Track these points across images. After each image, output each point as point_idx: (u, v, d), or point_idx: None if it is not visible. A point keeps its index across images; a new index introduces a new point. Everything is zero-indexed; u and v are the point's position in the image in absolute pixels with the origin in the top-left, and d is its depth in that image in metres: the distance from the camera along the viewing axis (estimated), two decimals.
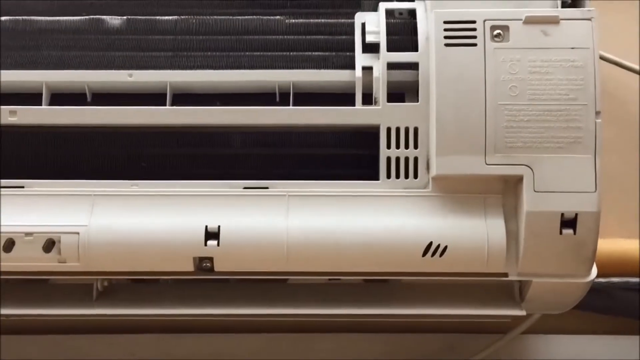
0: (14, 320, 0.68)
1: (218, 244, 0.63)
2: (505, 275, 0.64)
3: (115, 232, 0.63)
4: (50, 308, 0.67)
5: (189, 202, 0.64)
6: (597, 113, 0.62)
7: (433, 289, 0.68)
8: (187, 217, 0.64)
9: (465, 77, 0.62)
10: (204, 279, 0.66)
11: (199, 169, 0.67)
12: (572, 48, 0.62)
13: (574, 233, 0.61)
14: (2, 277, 0.63)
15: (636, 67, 0.91)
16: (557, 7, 0.65)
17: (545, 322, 0.85)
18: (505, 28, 0.63)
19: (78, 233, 0.63)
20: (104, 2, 0.74)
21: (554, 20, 0.62)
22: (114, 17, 0.71)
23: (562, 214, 0.61)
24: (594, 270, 0.64)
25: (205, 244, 0.63)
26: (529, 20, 0.63)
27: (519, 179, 0.62)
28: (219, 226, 0.63)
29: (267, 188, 0.65)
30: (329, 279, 0.70)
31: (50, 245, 0.63)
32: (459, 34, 0.63)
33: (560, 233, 0.61)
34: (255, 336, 0.89)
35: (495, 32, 0.63)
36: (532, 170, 0.62)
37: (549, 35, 0.63)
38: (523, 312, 0.66)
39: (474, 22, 0.63)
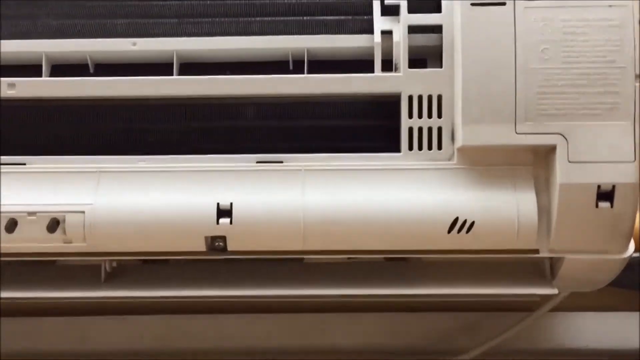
0: (16, 302, 0.65)
1: (231, 222, 0.59)
2: (536, 251, 0.60)
3: (122, 210, 0.60)
4: (55, 290, 0.64)
5: (199, 178, 0.61)
6: (637, 76, 0.57)
7: (457, 266, 0.65)
8: (198, 194, 0.60)
9: (493, 40, 0.58)
10: (216, 259, 0.63)
11: (209, 143, 0.63)
12: (610, 6, 0.57)
13: (611, 206, 0.57)
14: (3, 259, 0.60)
15: None
16: None
17: (574, 298, 0.81)
18: None
19: (83, 212, 0.60)
20: None
21: None
22: None
23: (599, 186, 0.57)
24: (632, 246, 0.60)
25: (217, 222, 0.59)
26: None
27: (551, 149, 0.58)
28: (231, 203, 0.60)
29: (281, 162, 0.62)
30: (348, 258, 0.67)
31: (54, 225, 0.60)
32: None
33: (596, 206, 0.58)
34: (270, 316, 0.86)
35: None
36: (566, 139, 0.57)
37: None
38: (555, 291, 0.62)
39: None
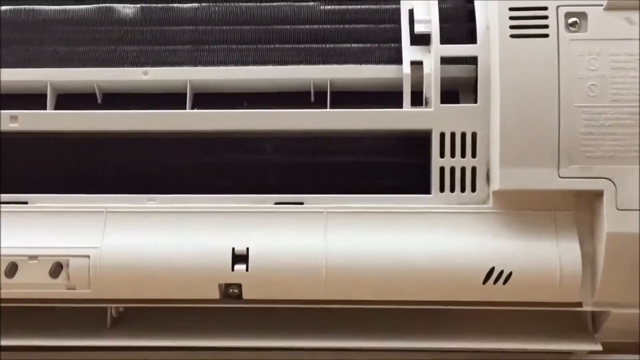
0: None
1: (247, 269, 0.55)
2: (580, 304, 0.55)
3: (130, 254, 0.55)
4: (57, 338, 0.59)
5: (214, 220, 0.57)
6: None
7: (488, 315, 0.60)
8: (212, 237, 0.56)
9: (535, 74, 0.53)
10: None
11: (225, 181, 0.59)
12: None
13: None
14: (3, 304, 0.56)
15: None
16: None
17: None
18: (583, 15, 0.53)
19: (89, 256, 0.55)
20: None
21: None
22: (126, 5, 0.63)
23: None
24: None
25: (232, 269, 0.55)
26: (611, 6, 0.53)
27: (597, 194, 0.53)
28: (247, 248, 0.55)
29: (302, 203, 0.57)
30: None
31: (57, 269, 0.55)
32: (528, 22, 0.54)
33: None
34: None
35: (571, 20, 0.53)
36: (614, 184, 0.52)
37: (634, 23, 0.53)
38: (599, 347, 0.57)
39: (545, 8, 0.54)
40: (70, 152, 0.59)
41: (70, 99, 0.61)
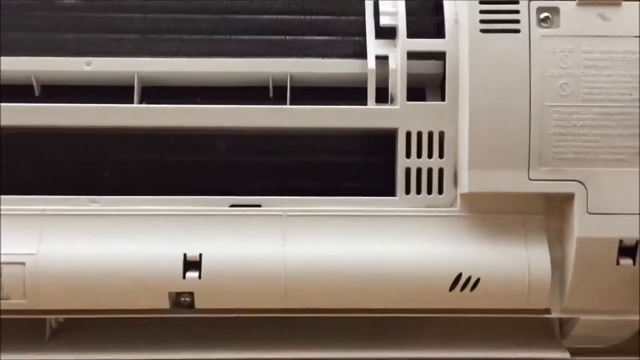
0: None
1: (199, 276, 0.51)
2: (548, 311, 0.53)
3: (70, 261, 0.51)
4: None
5: (164, 224, 0.53)
6: None
7: (455, 324, 0.57)
8: (161, 242, 0.52)
9: (505, 71, 0.51)
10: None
11: (176, 181, 0.55)
12: (637, 37, 0.51)
13: (634, 263, 0.51)
14: None
15: None
16: None
17: None
18: (555, 10, 0.51)
19: (24, 263, 0.51)
20: None
21: (615, 2, 0.51)
22: None
23: (621, 241, 0.51)
24: None
25: (184, 276, 0.51)
26: (585, 1, 0.51)
27: (567, 198, 0.51)
28: (200, 254, 0.52)
29: (259, 206, 0.54)
30: None
31: None
32: (498, 17, 0.51)
33: (617, 263, 0.51)
34: None
35: (543, 15, 0.51)
36: (585, 187, 0.51)
37: (608, 19, 0.51)
38: (567, 355, 0.56)
39: (516, 2, 0.51)
40: (4, 148, 0.54)
41: (5, 91, 0.55)
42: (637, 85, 0.50)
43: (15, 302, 0.51)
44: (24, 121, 0.53)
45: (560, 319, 0.58)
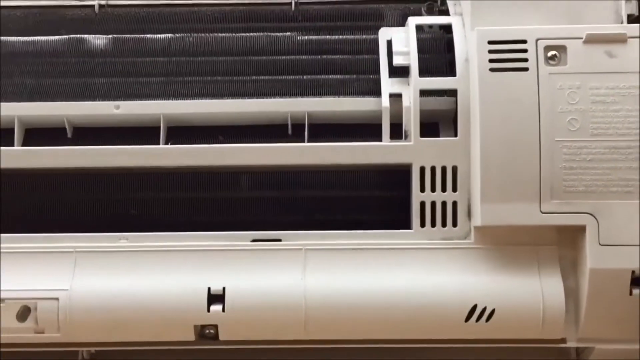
0: None
1: (223, 309, 0.53)
2: (564, 341, 0.54)
3: (101, 297, 0.53)
4: None
5: (188, 259, 0.55)
6: None
7: (472, 354, 0.58)
8: (186, 277, 0.54)
9: (515, 108, 0.52)
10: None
11: (199, 217, 0.57)
12: None
13: None
14: None
15: None
16: (622, 22, 0.55)
17: None
18: (562, 49, 0.53)
19: (58, 299, 0.53)
20: (85, 17, 0.64)
21: (621, 39, 0.52)
22: (97, 36, 0.61)
23: (633, 272, 0.52)
24: None
25: (208, 310, 0.53)
26: (591, 39, 0.52)
27: (579, 229, 0.52)
28: (223, 288, 0.54)
29: (279, 240, 0.56)
30: None
31: (25, 312, 0.53)
32: (507, 56, 0.53)
33: (630, 293, 0.52)
34: None
35: (550, 53, 0.53)
36: (596, 219, 0.52)
37: (614, 56, 0.52)
38: None
39: (524, 41, 0.53)
40: (38, 189, 0.57)
41: (39, 134, 0.58)
42: None
43: (49, 336, 0.53)
44: (58, 163, 0.56)
45: (577, 348, 0.59)
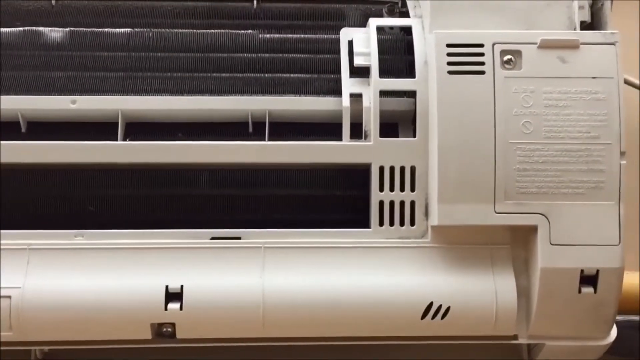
0: None
1: (181, 307, 0.53)
2: (515, 337, 0.56)
3: (55, 294, 0.53)
4: None
5: (146, 257, 0.54)
6: (622, 154, 0.53)
7: (428, 350, 0.60)
8: (144, 274, 0.54)
9: (472, 111, 0.54)
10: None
11: (158, 215, 0.57)
12: (594, 77, 0.54)
13: (595, 292, 0.54)
14: None
15: (636, 81, 0.84)
16: (576, 29, 0.56)
17: None
18: (518, 53, 0.54)
19: (10, 297, 0.52)
20: (42, 9, 0.63)
21: (573, 45, 0.54)
22: (54, 29, 0.60)
23: (582, 270, 0.53)
24: (614, 331, 0.57)
25: (166, 308, 0.53)
26: (545, 44, 0.54)
27: (531, 229, 0.54)
28: (181, 286, 0.53)
29: (239, 238, 0.56)
30: None
31: None
32: (464, 59, 0.54)
33: (579, 291, 0.54)
34: None
35: (506, 57, 0.54)
36: (547, 220, 0.53)
37: (567, 62, 0.54)
38: None
39: (481, 45, 0.54)
40: None
41: None
42: (594, 123, 0.53)
43: (1, 335, 0.52)
44: (11, 158, 0.55)
45: (528, 345, 0.60)
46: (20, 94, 0.57)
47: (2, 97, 0.56)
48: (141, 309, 0.53)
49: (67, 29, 0.60)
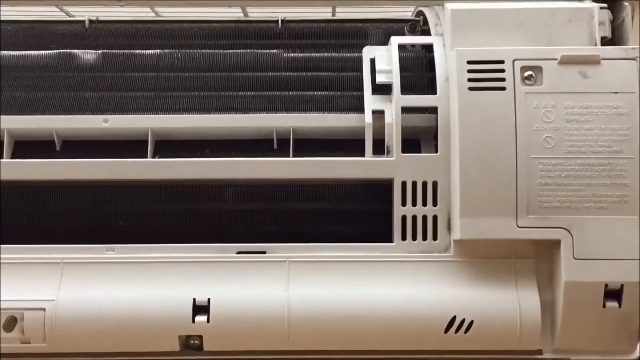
0: None
1: (208, 320, 0.54)
2: (540, 352, 0.56)
3: (87, 307, 0.54)
4: None
5: (174, 270, 0.56)
6: None
7: None
8: (172, 288, 0.55)
9: (493, 126, 0.54)
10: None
11: (186, 229, 0.58)
12: (615, 92, 0.54)
13: (619, 306, 0.54)
14: None
15: None
16: (596, 44, 0.57)
17: None
18: (538, 69, 0.55)
19: (44, 309, 0.54)
20: (75, 32, 0.65)
21: (594, 60, 0.54)
22: (87, 51, 0.63)
23: (606, 285, 0.53)
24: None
25: (193, 320, 0.54)
26: (566, 60, 0.55)
27: (554, 243, 0.54)
28: (208, 299, 0.55)
29: (264, 252, 0.57)
30: None
31: (11, 323, 0.54)
32: (485, 75, 0.55)
33: (604, 306, 0.54)
34: None
35: (527, 73, 0.55)
36: (570, 234, 0.53)
37: (588, 77, 0.54)
38: None
39: (502, 62, 0.55)
40: (27, 200, 0.58)
41: (28, 146, 0.59)
42: (616, 138, 0.54)
43: (35, 346, 0.54)
44: (46, 175, 0.57)
45: (553, 359, 0.60)
46: (55, 114, 0.59)
47: (39, 116, 0.59)
48: (169, 321, 0.54)
49: (100, 51, 0.62)
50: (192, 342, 0.55)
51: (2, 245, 0.56)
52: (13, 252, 0.56)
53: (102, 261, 0.56)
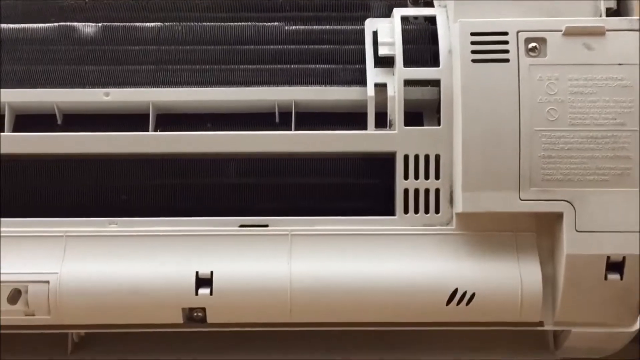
0: None
1: (211, 293, 0.55)
2: (541, 324, 0.56)
3: (90, 279, 0.55)
4: None
5: (177, 244, 0.56)
6: None
7: (452, 337, 0.60)
8: (175, 261, 0.55)
9: (496, 99, 0.54)
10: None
11: (188, 203, 0.58)
12: (620, 64, 0.54)
13: (621, 278, 0.54)
14: None
15: None
16: (601, 15, 0.56)
17: None
18: (542, 41, 0.54)
19: (48, 282, 0.54)
20: (75, 5, 0.65)
21: (599, 32, 0.54)
22: (87, 24, 0.62)
23: (608, 257, 0.53)
24: None
25: (196, 293, 0.55)
26: (570, 32, 0.54)
27: (557, 216, 0.54)
28: (211, 272, 0.55)
29: (266, 226, 0.57)
30: None
31: (16, 295, 0.54)
32: (488, 47, 0.54)
33: (605, 278, 0.54)
34: None
35: (531, 45, 0.54)
36: (573, 207, 0.53)
37: (592, 49, 0.54)
38: None
39: (505, 33, 0.54)
40: (29, 174, 0.58)
41: (29, 120, 0.59)
42: (620, 110, 0.53)
43: (39, 318, 0.54)
44: (48, 149, 0.57)
45: (554, 331, 0.61)
46: (56, 87, 0.59)
47: (40, 90, 0.58)
48: (173, 293, 0.55)
49: (100, 24, 0.62)
50: (195, 314, 0.56)
51: (5, 219, 0.56)
52: (16, 226, 0.56)
53: (105, 234, 0.56)
